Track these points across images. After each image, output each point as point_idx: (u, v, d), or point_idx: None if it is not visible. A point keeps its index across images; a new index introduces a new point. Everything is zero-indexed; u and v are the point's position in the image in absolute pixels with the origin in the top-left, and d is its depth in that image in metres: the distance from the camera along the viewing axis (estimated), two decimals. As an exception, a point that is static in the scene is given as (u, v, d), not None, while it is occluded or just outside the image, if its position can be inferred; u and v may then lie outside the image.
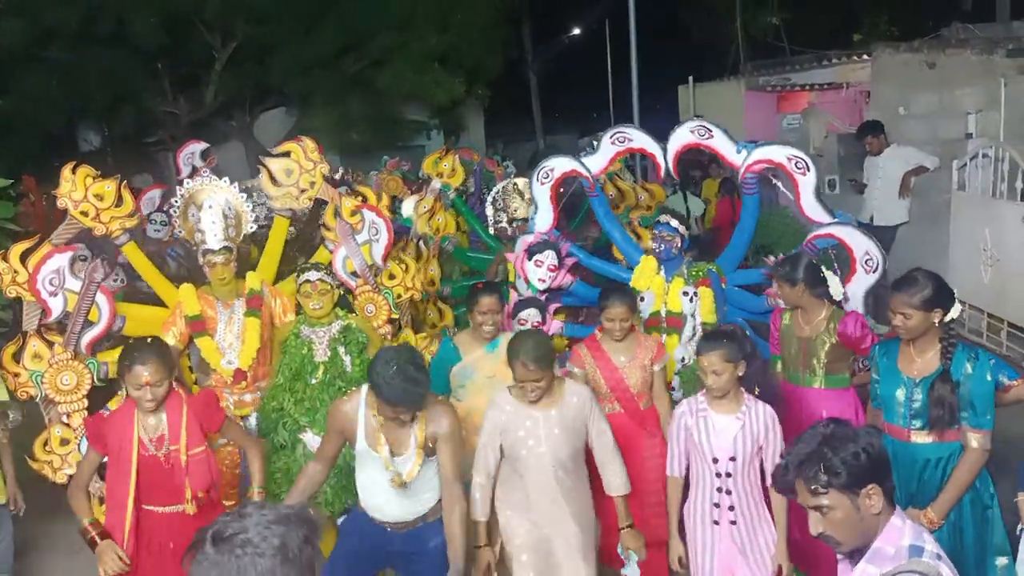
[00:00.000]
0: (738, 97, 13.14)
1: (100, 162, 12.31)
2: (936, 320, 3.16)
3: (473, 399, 3.99)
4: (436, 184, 5.86)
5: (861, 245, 4.42)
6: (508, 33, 15.88)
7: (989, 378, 3.14)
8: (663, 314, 4.51)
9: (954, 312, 3.19)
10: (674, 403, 4.38)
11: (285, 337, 4.16)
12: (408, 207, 5.81)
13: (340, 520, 3.50)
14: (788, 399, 3.98)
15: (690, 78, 14.14)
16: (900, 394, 3.26)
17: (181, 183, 4.93)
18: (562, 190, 5.22)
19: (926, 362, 3.22)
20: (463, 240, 6.06)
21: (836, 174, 8.98)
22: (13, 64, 10.55)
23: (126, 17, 11.22)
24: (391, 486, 3.16)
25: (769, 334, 4.52)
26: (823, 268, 3.96)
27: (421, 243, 5.66)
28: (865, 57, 10.33)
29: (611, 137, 4.99)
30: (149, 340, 3.38)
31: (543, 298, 4.78)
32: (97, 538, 3.22)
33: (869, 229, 7.33)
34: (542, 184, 5.08)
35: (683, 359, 4.42)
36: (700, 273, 4.56)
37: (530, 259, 4.78)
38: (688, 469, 3.34)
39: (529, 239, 5.02)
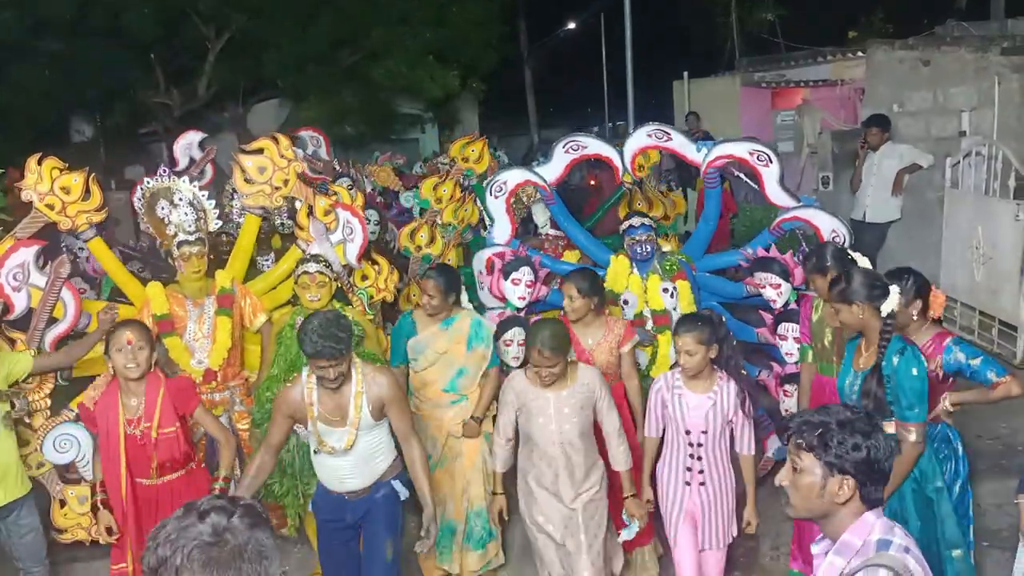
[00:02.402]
0: (733, 92, 13.13)
1: (93, 153, 12.36)
2: (862, 314, 3.22)
3: (425, 373, 4.28)
4: (460, 169, 5.87)
5: (827, 223, 4.59)
6: (503, 27, 15.81)
7: (915, 372, 3.15)
8: (648, 314, 4.53)
9: (888, 306, 3.20)
10: None
11: (281, 328, 4.17)
12: (427, 190, 5.68)
13: (310, 505, 3.76)
14: (820, 391, 4.02)
15: (685, 73, 14.13)
16: (846, 385, 3.41)
17: (179, 174, 4.90)
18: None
19: (870, 356, 3.29)
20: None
21: (830, 171, 8.98)
22: (5, 55, 10.46)
23: (120, 8, 11.15)
24: (327, 453, 3.40)
25: (748, 316, 4.59)
26: (850, 252, 3.99)
27: (448, 229, 5.61)
28: (860, 54, 10.34)
29: (564, 146, 5.01)
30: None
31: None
32: (100, 504, 3.63)
33: (861, 226, 7.40)
34: (495, 197, 5.07)
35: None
36: (674, 267, 4.61)
37: (506, 278, 4.70)
38: (664, 431, 3.70)
39: (487, 253, 5.03)
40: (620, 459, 3.73)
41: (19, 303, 4.00)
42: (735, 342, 3.78)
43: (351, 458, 3.42)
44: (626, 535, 3.77)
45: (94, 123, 13.57)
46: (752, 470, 3.66)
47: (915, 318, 3.47)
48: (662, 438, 3.73)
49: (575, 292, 4.11)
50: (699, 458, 3.58)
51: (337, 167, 6.99)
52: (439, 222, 5.55)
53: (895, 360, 3.18)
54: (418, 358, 4.27)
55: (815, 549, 2.11)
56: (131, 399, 3.57)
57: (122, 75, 11.73)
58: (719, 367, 3.59)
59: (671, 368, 4.40)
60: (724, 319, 3.72)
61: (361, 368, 3.41)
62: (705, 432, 3.54)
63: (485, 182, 5.62)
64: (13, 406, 3.86)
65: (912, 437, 3.18)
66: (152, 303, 4.16)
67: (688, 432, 3.57)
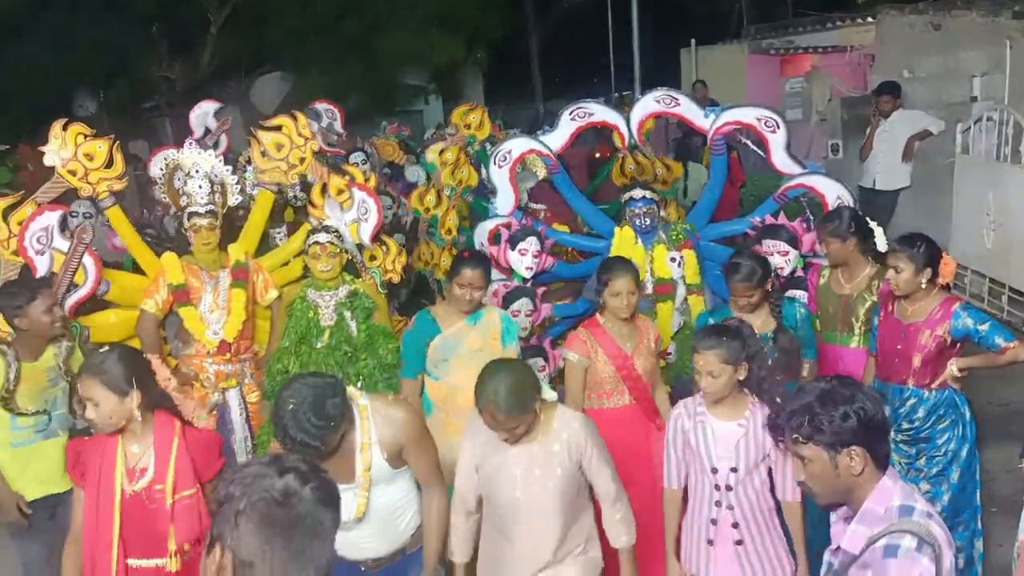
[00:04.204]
0: (741, 60, 13.01)
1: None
2: (762, 292, 3.62)
3: (457, 375, 3.65)
4: (463, 135, 6.03)
5: (832, 190, 4.59)
6: (508, -4, 15.64)
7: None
8: (650, 283, 4.51)
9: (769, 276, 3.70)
10: (669, 369, 4.43)
11: (291, 301, 4.16)
12: (432, 154, 5.97)
13: None
14: (824, 359, 4.00)
15: (692, 41, 13.97)
16: None
17: (194, 144, 4.89)
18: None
19: (763, 322, 3.58)
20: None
21: (839, 138, 8.90)
22: (4, 32, 10.39)
23: (119, -19, 11.06)
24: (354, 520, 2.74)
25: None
26: (868, 220, 3.99)
27: (445, 190, 5.82)
28: (869, 20, 10.22)
29: (570, 113, 4.98)
30: (104, 349, 2.88)
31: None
32: None
33: (871, 194, 7.34)
34: (500, 167, 5.03)
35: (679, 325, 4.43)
36: (680, 236, 4.59)
37: (513, 248, 4.68)
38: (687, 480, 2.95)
39: (489, 224, 5.00)
40: (617, 530, 2.82)
41: (41, 266, 4.04)
42: (769, 360, 3.15)
43: (368, 524, 2.74)
44: None
45: (97, 99, 13.50)
46: (800, 522, 2.85)
47: (923, 286, 3.44)
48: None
49: (633, 284, 3.55)
50: (729, 507, 2.80)
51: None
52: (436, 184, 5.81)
53: (802, 311, 3.76)
54: (448, 359, 3.68)
55: (833, 516, 2.11)
56: (132, 443, 2.71)
57: (123, 49, 11.66)
58: (750, 390, 2.88)
59: (670, 340, 4.37)
60: (755, 331, 3.03)
61: (367, 410, 2.68)
62: (735, 470, 2.79)
63: (490, 151, 5.68)
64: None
65: (811, 371, 3.73)
66: (167, 273, 4.16)
67: (715, 471, 2.81)
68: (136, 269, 4.76)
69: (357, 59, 13.33)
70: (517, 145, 5.05)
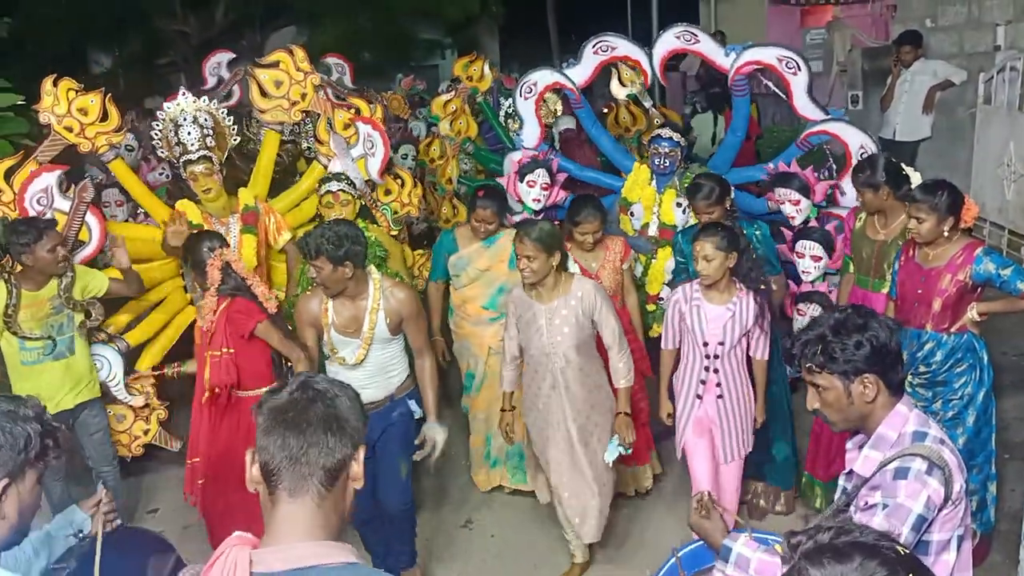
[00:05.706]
0: (761, 11, 12.70)
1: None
2: (727, 208, 3.98)
3: (466, 290, 4.28)
4: (466, 87, 6.14)
5: (856, 139, 4.48)
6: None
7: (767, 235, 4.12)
8: (655, 226, 4.51)
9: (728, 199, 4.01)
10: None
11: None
12: (437, 107, 6.11)
13: None
14: (857, 302, 3.99)
15: (711, -8, 13.69)
16: None
17: (205, 93, 4.85)
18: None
19: None
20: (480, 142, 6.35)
21: (860, 90, 8.76)
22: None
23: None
24: (341, 366, 3.41)
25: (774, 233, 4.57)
26: (903, 166, 3.94)
27: (446, 141, 5.92)
28: (893, -33, 9.96)
29: (593, 47, 4.92)
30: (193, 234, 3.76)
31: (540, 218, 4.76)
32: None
33: (890, 145, 7.25)
34: (525, 99, 5.01)
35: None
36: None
37: (522, 180, 4.69)
38: (680, 344, 3.66)
39: (517, 156, 4.98)
40: (619, 373, 3.60)
41: None
42: (755, 257, 3.67)
43: (364, 371, 3.43)
44: (607, 456, 3.56)
45: (112, 54, 13.46)
46: (764, 373, 3.66)
47: (946, 234, 3.41)
48: (678, 351, 3.68)
49: (600, 226, 4.06)
50: (715, 370, 3.52)
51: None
52: (440, 134, 5.93)
53: (758, 233, 4.04)
54: (459, 275, 4.26)
55: (848, 444, 2.14)
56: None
57: (136, 2, 11.60)
58: (738, 279, 3.50)
59: (670, 283, 4.46)
60: (745, 232, 3.68)
61: (380, 283, 3.39)
62: (722, 344, 3.48)
63: (503, 103, 5.68)
64: (89, 315, 3.99)
65: (779, 284, 4.10)
66: (187, 213, 4.20)
67: (706, 344, 3.50)
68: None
69: (370, 12, 13.21)
70: (542, 77, 5.02)
